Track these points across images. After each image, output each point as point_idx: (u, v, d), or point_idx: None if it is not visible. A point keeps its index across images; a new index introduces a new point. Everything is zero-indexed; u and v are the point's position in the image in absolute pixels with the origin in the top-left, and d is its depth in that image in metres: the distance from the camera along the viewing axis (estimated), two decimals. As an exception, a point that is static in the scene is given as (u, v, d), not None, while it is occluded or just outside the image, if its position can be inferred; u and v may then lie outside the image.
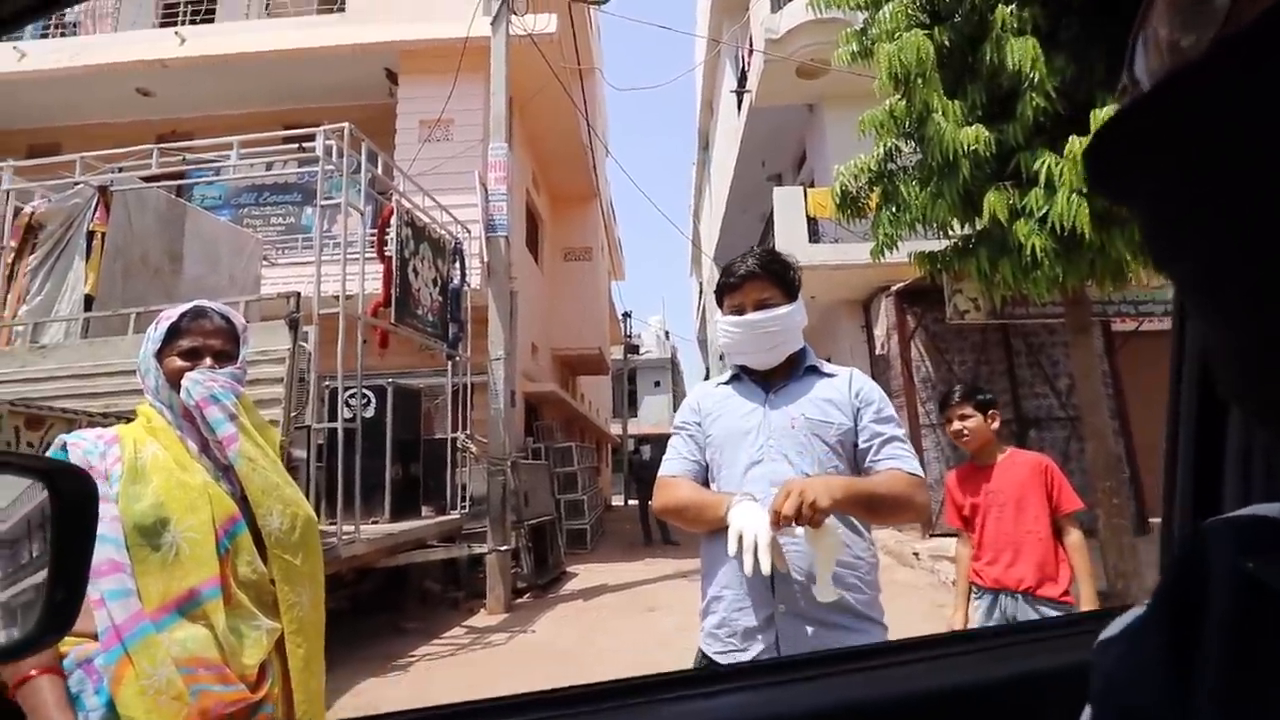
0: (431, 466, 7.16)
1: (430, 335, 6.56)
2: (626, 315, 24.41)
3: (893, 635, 1.34)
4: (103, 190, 5.40)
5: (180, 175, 6.91)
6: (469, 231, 7.73)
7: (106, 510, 1.15)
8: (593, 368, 16.27)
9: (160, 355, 1.29)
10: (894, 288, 8.15)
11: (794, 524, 1.15)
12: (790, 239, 8.03)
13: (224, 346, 1.33)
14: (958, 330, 7.96)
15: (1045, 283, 4.49)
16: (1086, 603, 2.21)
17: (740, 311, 1.40)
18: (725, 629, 1.32)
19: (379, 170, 6.19)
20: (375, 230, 6.05)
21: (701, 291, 25.60)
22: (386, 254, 5.75)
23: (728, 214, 15.28)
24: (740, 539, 1.17)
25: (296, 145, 6.08)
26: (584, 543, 10.17)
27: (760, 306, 1.39)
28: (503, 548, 6.49)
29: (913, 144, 5.13)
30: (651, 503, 1.47)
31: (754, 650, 1.27)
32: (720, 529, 1.30)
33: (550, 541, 8.16)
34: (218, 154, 6.11)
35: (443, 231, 7.10)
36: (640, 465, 12.00)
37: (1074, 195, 4.01)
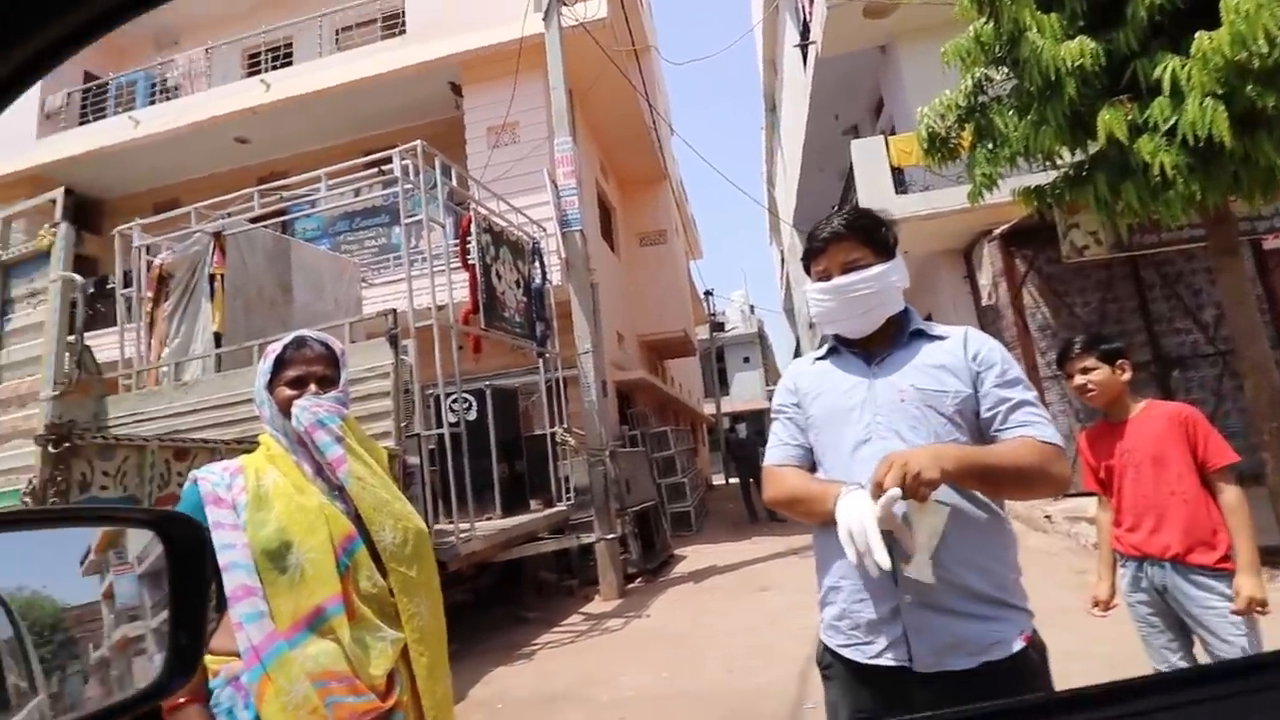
0: (534, 462, 7.40)
1: (519, 336, 6.74)
2: (708, 293, 24.18)
3: (1034, 609, 1.20)
4: (217, 236, 5.91)
5: (282, 212, 7.49)
6: (545, 230, 7.86)
7: (236, 538, 1.23)
8: (679, 350, 16.22)
9: (271, 386, 1.37)
10: (998, 230, 7.50)
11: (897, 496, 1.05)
12: (874, 193, 7.57)
13: (326, 372, 1.39)
14: (1076, 269, 7.22)
15: (1180, 203, 3.95)
16: (1245, 568, 1.90)
17: (827, 276, 1.29)
18: (846, 621, 1.22)
19: (454, 182, 6.39)
20: (458, 241, 6.27)
21: (783, 260, 24.84)
22: (470, 262, 5.94)
23: (803, 175, 14.67)
24: (851, 536, 1.08)
25: (377, 170, 6.39)
26: (689, 525, 10.21)
27: (848, 269, 1.27)
28: (610, 535, 6.61)
29: (1005, 70, 4.65)
30: (763, 495, 1.40)
31: (880, 644, 1.17)
32: (833, 520, 1.22)
33: (655, 526, 8.23)
34: (310, 188, 6.52)
35: (520, 233, 7.25)
36: (737, 443, 11.85)
37: (1207, 99, 3.48)
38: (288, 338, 1.42)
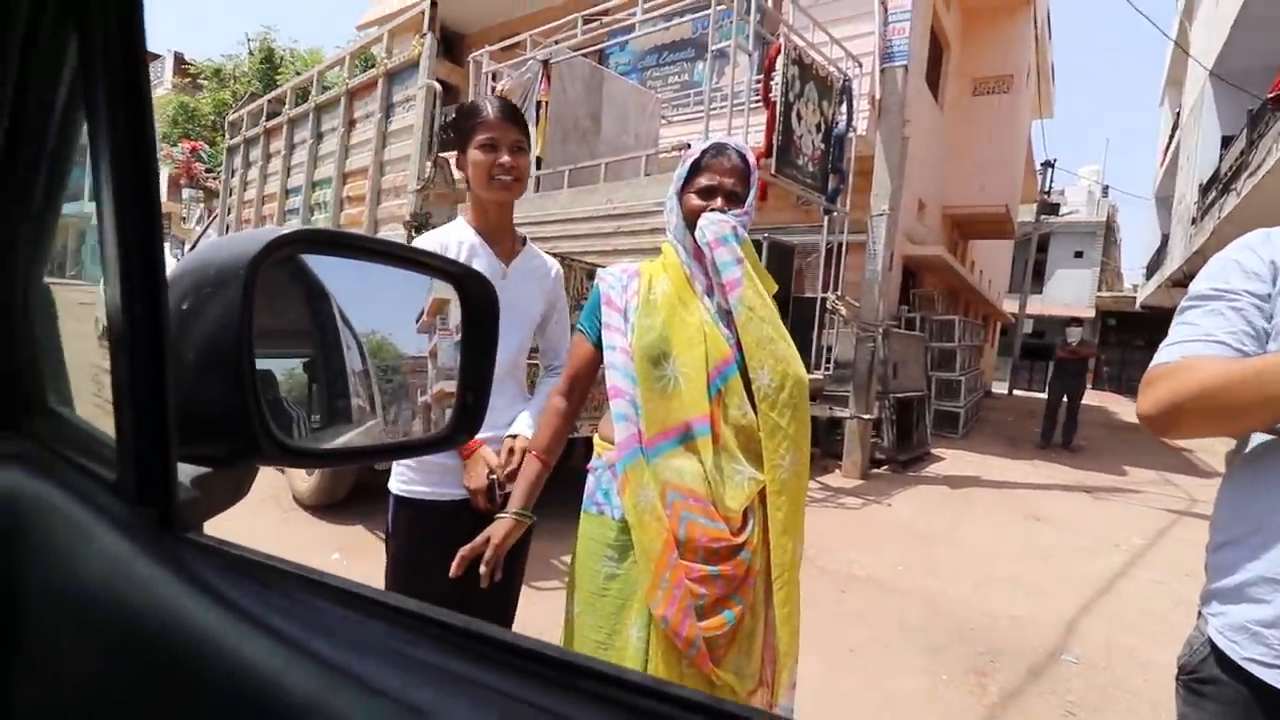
0: (798, 324, 7.13)
1: (808, 187, 6.23)
2: (1048, 165, 19.62)
3: None
4: (545, 64, 6.32)
5: (599, 42, 7.74)
6: (860, 66, 6.86)
7: (619, 341, 1.26)
8: (993, 230, 13.72)
9: (681, 193, 1.30)
10: None
11: None
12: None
13: (735, 187, 1.28)
14: None
15: None
16: None
17: None
18: None
19: (769, 4, 5.79)
20: (760, 77, 5.80)
21: (1175, 128, 18.67)
22: (771, 98, 5.49)
23: (1252, 2, 10.31)
24: None
25: (692, -8, 6.04)
26: (954, 427, 9.25)
27: None
28: (865, 416, 6.29)
29: None
30: (1149, 403, 0.93)
31: None
32: None
33: (917, 418, 7.61)
34: (627, 12, 6.50)
35: (831, 69, 6.44)
36: (1069, 351, 9.27)
37: None
38: (707, 143, 1.32)
